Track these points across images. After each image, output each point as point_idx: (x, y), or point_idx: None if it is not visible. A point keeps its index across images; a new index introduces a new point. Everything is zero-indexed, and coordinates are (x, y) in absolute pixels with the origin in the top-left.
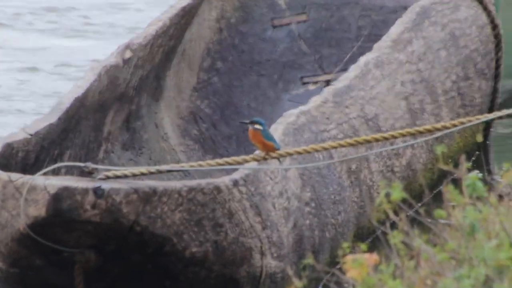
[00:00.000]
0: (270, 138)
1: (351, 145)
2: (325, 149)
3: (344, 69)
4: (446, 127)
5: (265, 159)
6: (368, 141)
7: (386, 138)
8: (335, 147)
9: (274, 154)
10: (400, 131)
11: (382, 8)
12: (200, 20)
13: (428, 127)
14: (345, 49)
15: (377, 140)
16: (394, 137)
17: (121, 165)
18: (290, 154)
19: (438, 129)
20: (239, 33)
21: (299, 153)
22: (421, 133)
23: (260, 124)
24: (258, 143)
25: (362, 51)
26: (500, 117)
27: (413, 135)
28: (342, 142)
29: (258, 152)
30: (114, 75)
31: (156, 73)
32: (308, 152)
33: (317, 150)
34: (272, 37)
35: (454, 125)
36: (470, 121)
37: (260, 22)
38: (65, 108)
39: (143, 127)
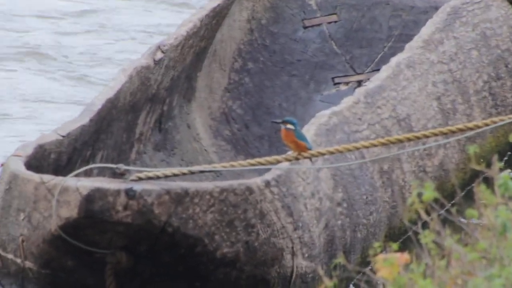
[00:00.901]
0: (303, 138)
1: (383, 144)
2: (357, 148)
3: (376, 70)
4: (478, 126)
5: (297, 159)
6: (400, 141)
7: (418, 138)
8: (367, 147)
9: (306, 154)
10: (432, 131)
11: (412, 9)
12: (231, 21)
13: (460, 126)
14: (376, 49)
15: (409, 139)
16: (426, 136)
17: (153, 166)
18: (322, 154)
19: (470, 128)
20: (270, 34)
21: (331, 152)
22: (453, 132)
23: (292, 123)
24: (291, 143)
25: (393, 52)
26: None
27: (445, 134)
28: (374, 141)
29: (290, 153)
30: (145, 76)
31: (187, 73)
32: (340, 152)
33: (349, 150)
34: (303, 37)
35: (486, 124)
36: (502, 120)
37: (291, 23)
38: (97, 110)
39: (175, 128)
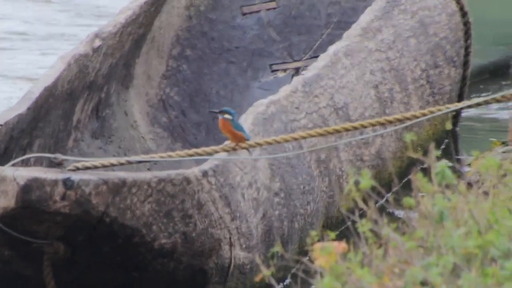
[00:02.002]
0: (240, 128)
1: (321, 135)
2: (295, 139)
3: (314, 57)
4: (415, 116)
5: (234, 149)
6: (338, 131)
7: (355, 128)
8: (304, 137)
9: (244, 145)
10: (370, 121)
11: None
12: (169, 8)
13: (398, 116)
14: (315, 36)
15: (346, 129)
16: (364, 126)
17: (90, 153)
18: (260, 145)
19: (407, 118)
20: (208, 21)
21: (269, 143)
22: (390, 122)
23: (230, 114)
24: (228, 133)
25: (331, 39)
26: (470, 106)
27: (382, 124)
28: (311, 132)
29: (228, 142)
30: (84, 63)
31: (125, 61)
32: (278, 142)
33: (287, 141)
34: (242, 24)
35: (424, 114)
36: (440, 110)
37: (230, 10)
38: (35, 98)
39: (113, 115)
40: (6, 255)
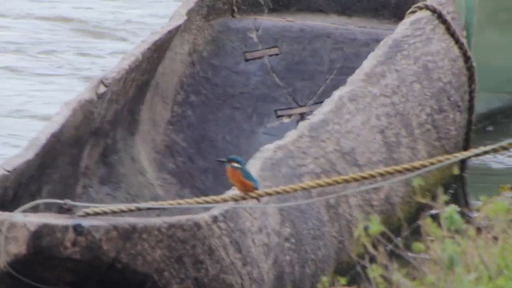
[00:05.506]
0: (250, 177)
1: (329, 184)
2: (304, 188)
3: (318, 102)
4: (424, 166)
5: (244, 199)
6: (347, 181)
7: (364, 178)
8: (313, 187)
9: (253, 194)
10: (379, 171)
11: (354, 41)
12: (173, 54)
13: (406, 165)
14: (318, 81)
15: (355, 179)
16: (373, 176)
17: (99, 200)
18: (269, 194)
19: (416, 168)
20: (212, 67)
21: (278, 192)
22: (399, 172)
23: (238, 162)
24: (237, 183)
25: (335, 84)
26: (477, 154)
27: (391, 174)
28: (320, 181)
29: (237, 190)
30: (89, 109)
31: (130, 107)
32: (287, 192)
33: (295, 190)
34: (245, 70)
35: (432, 163)
36: (448, 159)
37: (232, 56)
38: (41, 144)
39: (120, 161)
40: None
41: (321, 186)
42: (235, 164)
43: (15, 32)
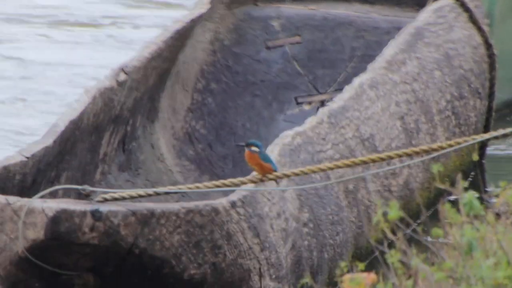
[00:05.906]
0: (268, 159)
1: (348, 166)
2: (322, 170)
3: (338, 90)
4: (442, 148)
5: (262, 181)
6: (365, 162)
7: (382, 159)
8: (332, 168)
9: (271, 176)
10: (397, 152)
11: (375, 29)
12: (194, 42)
13: (424, 147)
14: (339, 69)
15: (373, 160)
16: (391, 157)
17: (118, 186)
18: (287, 176)
19: (434, 150)
20: (233, 55)
21: (296, 174)
22: (417, 153)
23: (257, 146)
24: (256, 165)
25: (355, 72)
26: (496, 137)
27: (409, 155)
28: (339, 163)
29: (255, 174)
30: (109, 97)
31: (150, 94)
32: (305, 174)
33: (314, 171)
34: (266, 58)
35: (450, 145)
36: (466, 141)
37: (254, 44)
38: (60, 131)
39: (139, 148)
40: (36, 287)
41: (339, 167)
42: (254, 148)
43: None
